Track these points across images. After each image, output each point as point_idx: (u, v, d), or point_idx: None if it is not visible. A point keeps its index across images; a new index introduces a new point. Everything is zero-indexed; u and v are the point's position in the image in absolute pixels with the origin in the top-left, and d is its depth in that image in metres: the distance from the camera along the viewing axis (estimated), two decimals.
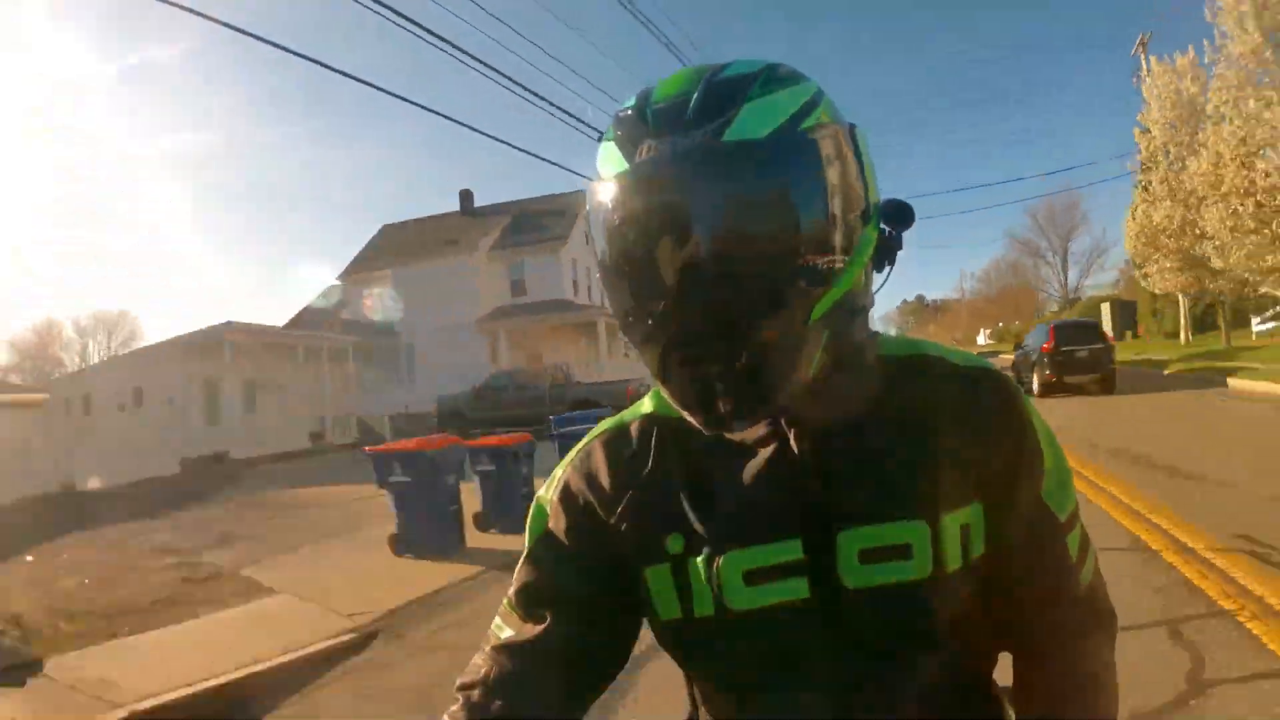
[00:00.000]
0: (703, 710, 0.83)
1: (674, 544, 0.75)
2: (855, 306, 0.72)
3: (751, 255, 0.64)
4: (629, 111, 0.70)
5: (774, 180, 0.65)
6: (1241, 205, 15.48)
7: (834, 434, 0.72)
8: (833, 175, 0.67)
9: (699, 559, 0.73)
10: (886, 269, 0.75)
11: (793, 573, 0.71)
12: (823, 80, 0.75)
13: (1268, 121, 14.31)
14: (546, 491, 0.83)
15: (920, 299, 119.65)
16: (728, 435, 0.74)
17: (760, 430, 0.74)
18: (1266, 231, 15.59)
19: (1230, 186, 15.53)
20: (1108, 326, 28.45)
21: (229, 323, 21.32)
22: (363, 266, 28.11)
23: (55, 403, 22.11)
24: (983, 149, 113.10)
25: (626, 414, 0.84)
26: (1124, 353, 22.84)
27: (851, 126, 0.72)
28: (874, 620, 0.71)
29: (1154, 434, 9.37)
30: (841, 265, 0.68)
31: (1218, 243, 17.08)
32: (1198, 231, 17.83)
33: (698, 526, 0.73)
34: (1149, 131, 21.41)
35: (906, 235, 0.76)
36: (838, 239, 0.67)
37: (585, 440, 0.85)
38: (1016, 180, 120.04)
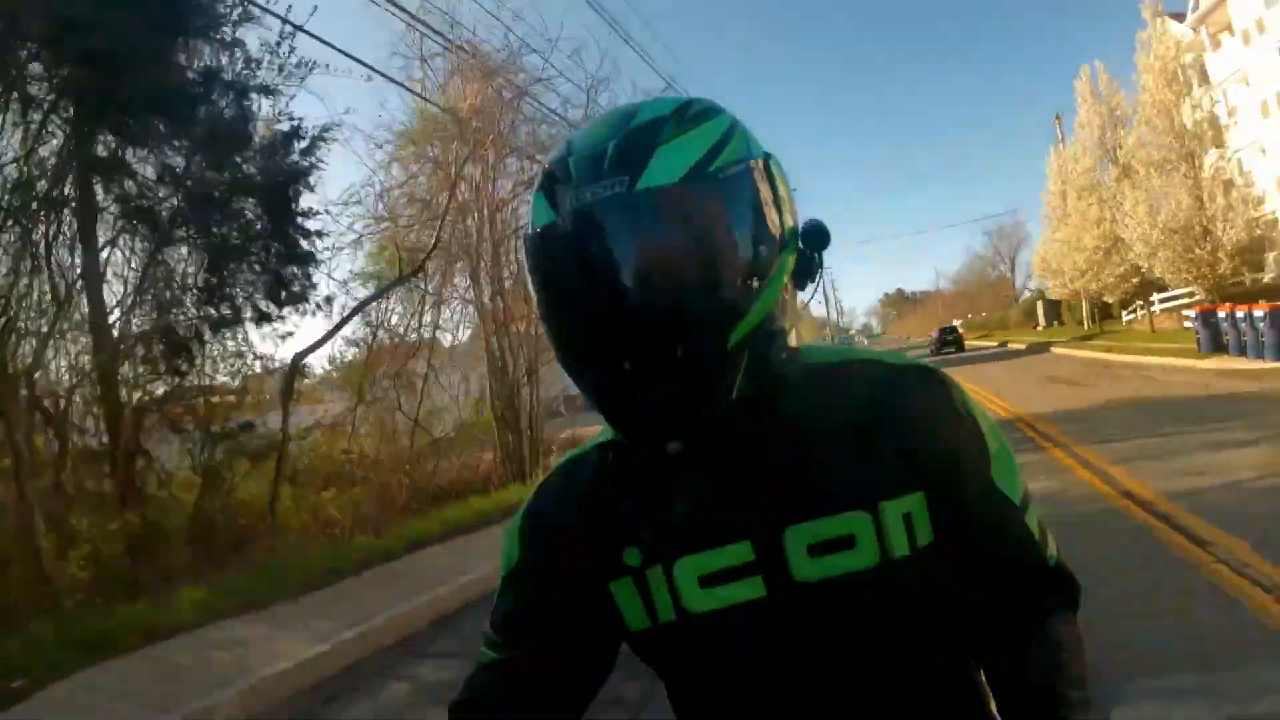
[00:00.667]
0: (678, 707, 0.86)
1: (631, 557, 0.79)
2: (774, 327, 0.76)
3: (666, 294, 0.68)
4: (554, 163, 0.74)
5: (684, 224, 0.69)
6: (1094, 251, 28.03)
7: (775, 439, 0.77)
8: (743, 211, 0.72)
9: (657, 569, 0.78)
10: (810, 286, 0.81)
11: (746, 573, 0.75)
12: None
13: (1096, 215, 26.73)
14: (514, 523, 0.87)
15: (900, 292, 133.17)
16: (673, 453, 0.76)
17: (705, 442, 0.76)
18: (1109, 263, 28.13)
19: (1088, 241, 28.04)
20: (1041, 317, 44.77)
21: None
22: None
23: None
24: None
25: (585, 446, 0.89)
26: (1037, 337, 38.75)
27: (766, 157, 0.76)
28: (829, 609, 0.75)
29: (994, 375, 20.37)
30: (757, 290, 0.72)
31: (1083, 268, 29.58)
32: (1073, 263, 30.46)
33: (652, 539, 0.78)
34: (1049, 194, 33.92)
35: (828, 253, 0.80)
36: (751, 269, 0.71)
37: (549, 472, 0.90)
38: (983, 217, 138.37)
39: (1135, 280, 28.23)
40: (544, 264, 0.74)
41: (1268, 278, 24.80)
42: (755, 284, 0.72)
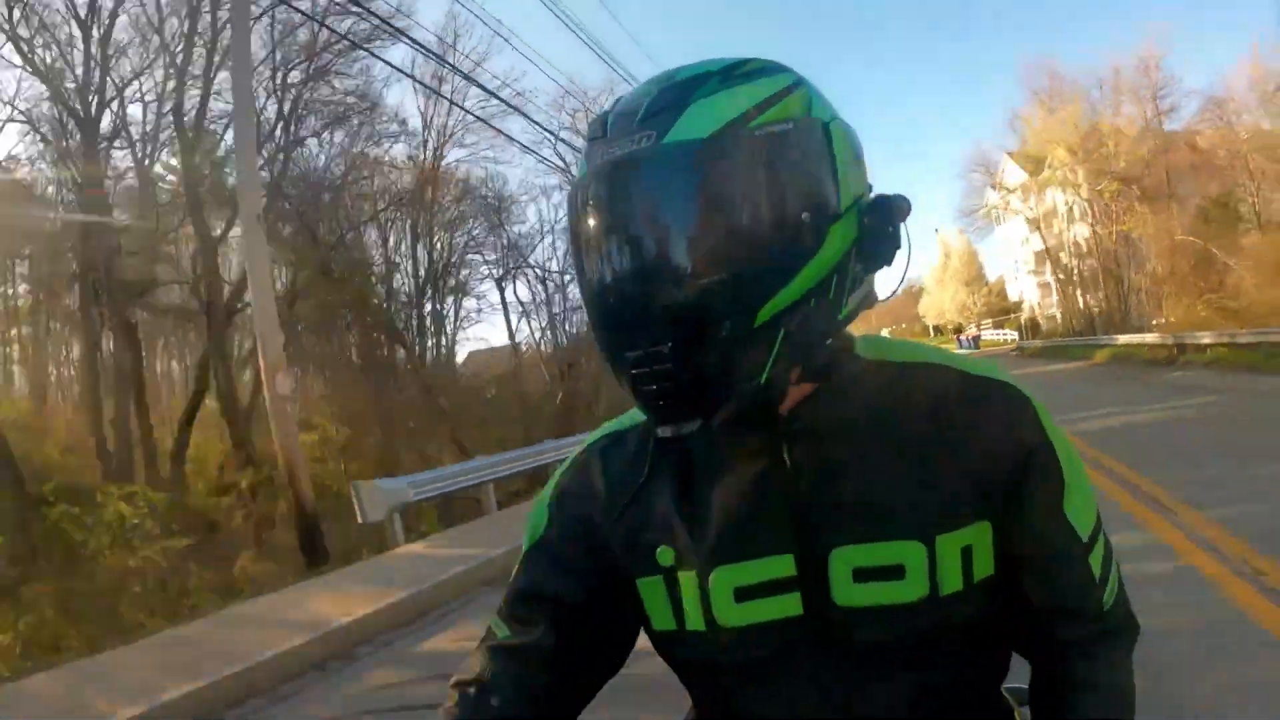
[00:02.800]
0: (699, 713, 0.83)
1: (664, 556, 0.74)
2: (821, 308, 0.68)
3: (686, 257, 0.64)
4: (595, 119, 0.70)
5: (712, 181, 0.64)
6: None
7: (830, 447, 0.71)
8: (783, 173, 0.65)
9: (690, 574, 0.73)
10: (880, 267, 0.72)
11: (784, 589, 0.71)
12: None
13: None
14: (544, 496, 0.83)
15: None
16: (722, 446, 0.73)
17: (754, 442, 0.72)
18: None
19: None
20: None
21: None
22: None
23: None
24: None
25: (625, 420, 0.83)
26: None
27: (827, 122, 0.69)
28: (864, 640, 0.70)
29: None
30: (798, 264, 0.66)
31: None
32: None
33: (689, 541, 0.73)
34: None
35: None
36: (790, 239, 0.65)
37: (582, 446, 0.84)
38: None
39: None
40: (572, 222, 0.69)
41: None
42: (798, 256, 0.65)
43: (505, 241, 20.58)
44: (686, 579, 0.74)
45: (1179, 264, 25.95)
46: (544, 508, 0.82)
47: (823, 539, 0.70)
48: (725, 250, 0.64)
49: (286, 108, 14.88)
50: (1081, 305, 36.68)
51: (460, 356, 22.34)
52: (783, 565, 0.71)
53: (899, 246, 0.71)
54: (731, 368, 0.65)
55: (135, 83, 13.45)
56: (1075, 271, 37.53)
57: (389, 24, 12.64)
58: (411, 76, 16.35)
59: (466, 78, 15.57)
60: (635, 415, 0.81)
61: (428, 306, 19.64)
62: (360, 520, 7.73)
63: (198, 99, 13.31)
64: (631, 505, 0.77)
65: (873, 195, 0.72)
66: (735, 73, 0.68)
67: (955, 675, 0.74)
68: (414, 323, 18.98)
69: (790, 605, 0.71)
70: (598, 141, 0.68)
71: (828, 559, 0.70)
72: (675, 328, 0.64)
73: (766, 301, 0.65)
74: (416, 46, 14.78)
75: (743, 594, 0.72)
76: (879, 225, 0.70)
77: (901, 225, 0.71)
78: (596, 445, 0.83)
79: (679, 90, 0.66)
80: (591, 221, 0.67)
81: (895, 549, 0.69)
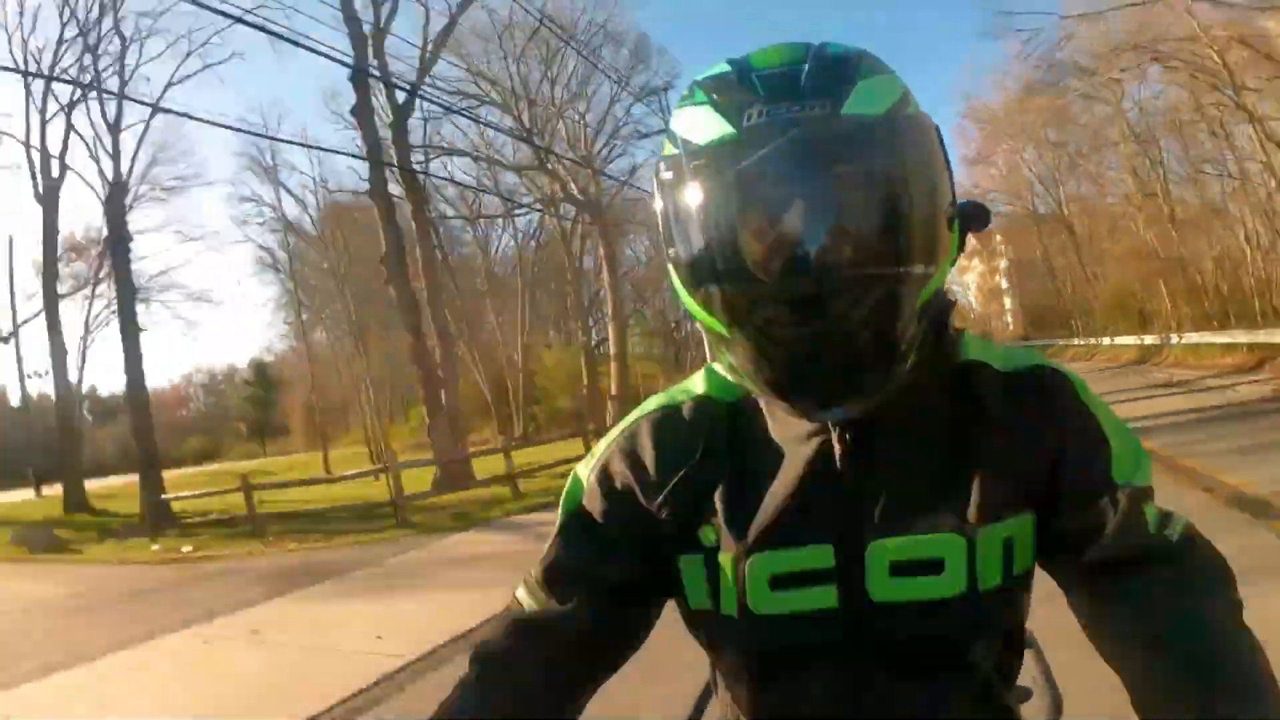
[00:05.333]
0: (721, 691, 0.82)
1: (707, 536, 0.74)
2: (945, 302, 0.71)
3: (873, 230, 0.63)
4: (727, 77, 0.67)
5: (891, 159, 0.64)
6: None
7: (878, 437, 0.70)
8: (936, 160, 0.66)
9: (729, 556, 0.73)
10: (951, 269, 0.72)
11: (821, 580, 0.70)
12: None
13: None
14: (585, 467, 0.81)
15: None
16: (774, 431, 0.73)
17: (807, 427, 0.72)
18: None
19: None
20: None
21: None
22: None
23: None
24: None
25: (677, 393, 0.81)
26: None
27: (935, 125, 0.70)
28: (897, 634, 0.69)
29: None
30: (942, 253, 0.66)
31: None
32: None
33: (733, 523, 0.73)
34: None
35: None
36: (940, 227, 0.66)
37: (631, 417, 0.81)
38: None
39: None
40: (718, 184, 0.64)
41: None
42: (942, 243, 0.66)
43: None
44: (726, 561, 0.73)
45: None
46: (584, 479, 0.80)
47: (863, 531, 0.70)
48: (905, 226, 0.64)
49: None
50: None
51: None
52: (822, 556, 0.71)
53: (964, 251, 0.73)
54: (896, 352, 0.66)
55: None
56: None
57: None
58: None
59: None
60: (690, 388, 0.80)
61: None
62: None
63: None
64: (681, 482, 0.75)
65: (965, 200, 0.72)
66: (872, 60, 0.68)
67: (981, 676, 0.73)
68: None
69: (826, 598, 0.70)
70: (742, 99, 0.64)
71: (865, 551, 0.69)
72: (860, 301, 0.63)
73: (926, 286, 0.66)
74: None
75: (779, 582, 0.71)
76: (972, 228, 0.71)
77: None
78: (648, 416, 0.80)
79: (839, 66, 0.65)
80: (769, 173, 0.62)
81: (935, 542, 0.69)
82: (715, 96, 0.66)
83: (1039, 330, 43.67)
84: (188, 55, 19.88)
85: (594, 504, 0.78)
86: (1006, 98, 30.82)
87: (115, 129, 18.49)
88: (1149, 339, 26.66)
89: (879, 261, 0.63)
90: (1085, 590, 0.71)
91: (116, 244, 17.56)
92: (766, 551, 0.71)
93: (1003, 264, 51.06)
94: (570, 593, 0.75)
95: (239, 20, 10.59)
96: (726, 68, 0.68)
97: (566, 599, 0.75)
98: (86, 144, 19.13)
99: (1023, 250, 41.84)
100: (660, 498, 0.76)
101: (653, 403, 0.82)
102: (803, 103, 0.63)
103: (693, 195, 0.66)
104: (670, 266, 0.71)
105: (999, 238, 42.46)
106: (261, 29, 11.21)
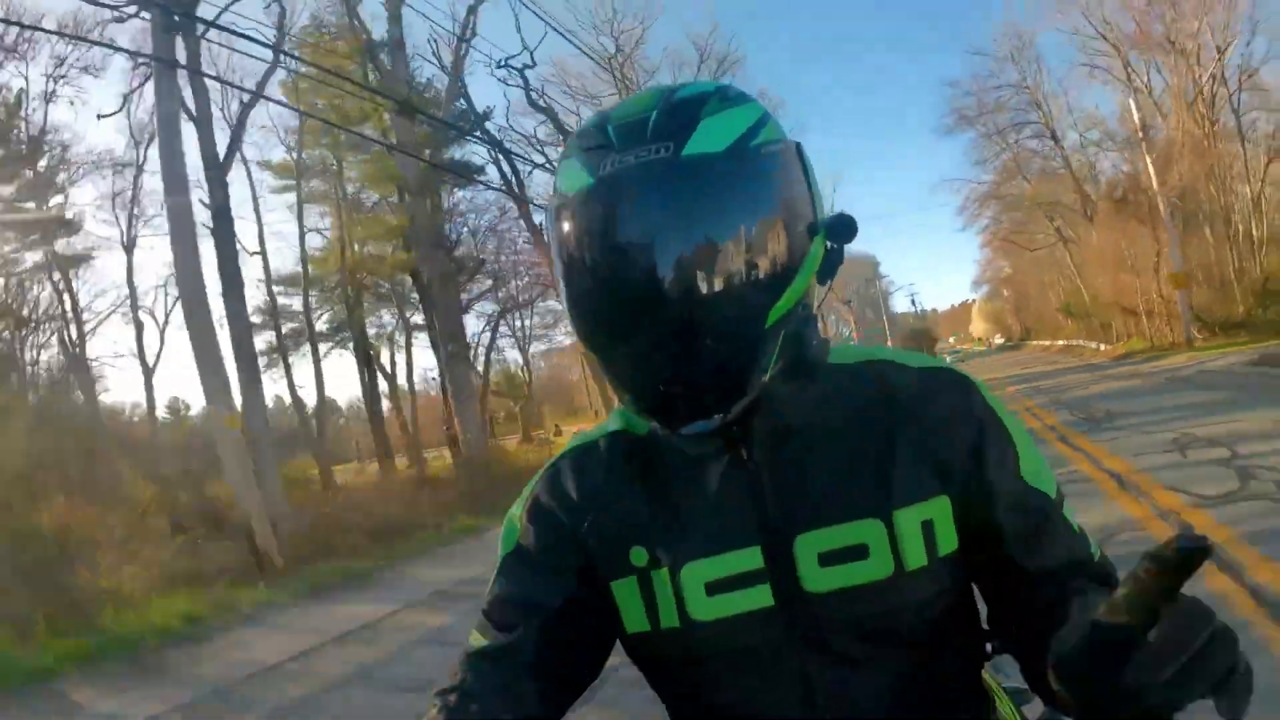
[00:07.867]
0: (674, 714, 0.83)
1: (637, 557, 0.76)
2: (807, 315, 0.75)
3: (713, 261, 0.67)
4: (591, 128, 0.73)
5: (732, 191, 0.68)
6: None
7: (786, 441, 0.75)
8: (783, 188, 0.71)
9: (662, 571, 0.75)
10: (828, 281, 0.77)
11: (754, 580, 0.73)
12: None
13: None
14: (517, 508, 0.84)
15: None
16: (687, 450, 0.76)
17: (716, 442, 0.75)
18: None
19: None
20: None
21: None
22: None
23: None
24: None
25: (593, 432, 0.86)
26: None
27: (797, 144, 0.75)
28: (837, 623, 0.72)
29: None
30: (793, 272, 0.70)
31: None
32: None
33: (660, 540, 0.75)
34: None
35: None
36: (790, 249, 0.70)
37: (552, 460, 0.86)
38: None
39: None
40: (577, 230, 0.71)
41: None
42: (792, 265, 0.70)
43: None
44: (659, 577, 0.75)
45: None
46: (517, 519, 0.83)
47: (786, 527, 0.73)
48: (746, 254, 0.68)
49: None
50: None
51: None
52: (751, 557, 0.73)
53: (841, 263, 0.77)
54: (749, 365, 0.70)
55: None
56: None
57: None
58: None
59: None
60: (603, 427, 0.85)
61: None
62: None
63: None
64: (602, 510, 0.79)
65: (832, 215, 0.76)
66: (726, 95, 0.73)
67: (931, 661, 0.75)
68: None
69: (762, 596, 0.73)
70: (604, 150, 0.70)
71: (792, 546, 0.72)
72: (702, 328, 0.68)
73: (775, 304, 0.70)
74: None
75: (714, 588, 0.74)
76: (838, 242, 0.76)
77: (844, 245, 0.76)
78: (568, 455, 0.85)
79: (686, 107, 0.71)
80: (608, 225, 0.69)
81: (855, 529, 0.72)
82: (582, 147, 0.72)
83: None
84: None
85: (528, 539, 0.81)
86: None
87: None
88: None
89: (717, 289, 0.67)
90: (1013, 592, 0.75)
91: None
92: (699, 560, 0.74)
93: None
94: (515, 623, 0.77)
95: None
96: (595, 119, 0.74)
97: (512, 629, 0.77)
98: None
99: None
100: (585, 526, 0.79)
101: (571, 443, 0.87)
102: (648, 148, 0.68)
103: (561, 239, 0.72)
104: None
105: None
106: None
